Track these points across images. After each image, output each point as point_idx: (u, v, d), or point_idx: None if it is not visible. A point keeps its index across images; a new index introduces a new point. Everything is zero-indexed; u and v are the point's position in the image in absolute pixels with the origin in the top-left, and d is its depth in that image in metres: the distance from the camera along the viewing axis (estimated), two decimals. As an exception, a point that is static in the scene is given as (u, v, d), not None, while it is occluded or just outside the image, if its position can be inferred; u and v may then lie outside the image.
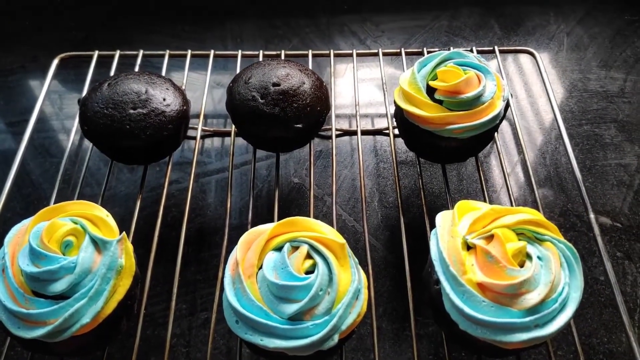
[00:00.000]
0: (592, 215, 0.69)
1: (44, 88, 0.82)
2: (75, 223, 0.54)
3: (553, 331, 0.48)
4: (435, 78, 0.68)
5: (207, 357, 0.59)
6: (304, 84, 0.69)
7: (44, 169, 0.88)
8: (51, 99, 0.98)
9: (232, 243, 0.76)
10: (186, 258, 0.64)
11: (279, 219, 0.65)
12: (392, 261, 0.77)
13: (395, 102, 0.70)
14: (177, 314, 0.70)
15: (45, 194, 0.84)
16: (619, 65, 1.05)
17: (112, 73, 0.83)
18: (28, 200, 0.83)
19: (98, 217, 0.55)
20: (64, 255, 0.51)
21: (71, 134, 0.81)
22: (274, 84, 0.68)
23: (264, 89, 0.68)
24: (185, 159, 0.89)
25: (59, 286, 0.49)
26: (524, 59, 1.06)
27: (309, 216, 0.67)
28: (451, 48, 0.86)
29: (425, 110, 0.66)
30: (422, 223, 0.69)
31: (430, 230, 0.67)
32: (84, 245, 0.52)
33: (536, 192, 0.73)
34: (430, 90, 0.67)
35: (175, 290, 0.62)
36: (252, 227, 0.63)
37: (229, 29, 1.12)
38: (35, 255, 0.50)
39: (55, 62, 0.85)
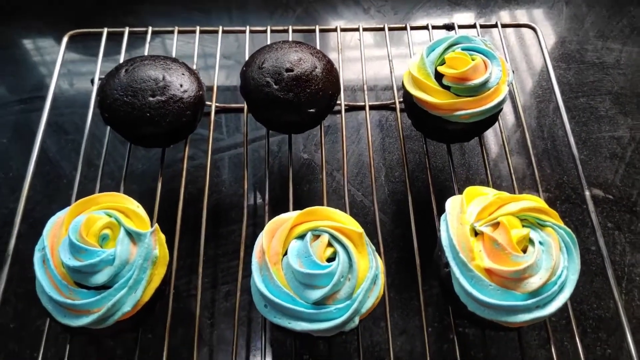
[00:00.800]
0: (587, 193, 0.73)
1: (57, 65, 0.81)
2: (110, 216, 0.57)
3: (552, 311, 0.53)
4: (443, 63, 0.71)
5: (235, 328, 0.63)
6: (316, 68, 0.71)
7: (60, 146, 0.89)
8: (60, 75, 0.98)
9: (250, 219, 0.80)
10: (205, 233, 0.68)
11: (293, 197, 0.69)
12: (400, 234, 0.81)
13: (404, 87, 0.72)
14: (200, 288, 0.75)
15: (64, 172, 0.86)
16: (615, 36, 1.07)
17: (122, 50, 0.83)
18: (48, 179, 0.85)
19: (130, 210, 0.58)
20: (102, 247, 0.55)
21: (88, 113, 0.78)
22: (287, 70, 0.70)
23: (277, 74, 0.70)
24: (198, 135, 0.90)
25: (101, 278, 0.53)
26: (525, 29, 1.07)
27: (321, 193, 0.71)
28: (455, 24, 0.88)
29: (434, 97, 0.68)
30: (427, 197, 0.72)
31: (436, 204, 0.71)
32: (120, 238, 0.55)
33: (534, 165, 0.76)
34: (438, 75, 0.70)
35: (200, 270, 0.66)
36: (268, 204, 0.67)
37: (234, -1, 1.12)
38: (75, 249, 0.53)
39: (65, 39, 0.85)
